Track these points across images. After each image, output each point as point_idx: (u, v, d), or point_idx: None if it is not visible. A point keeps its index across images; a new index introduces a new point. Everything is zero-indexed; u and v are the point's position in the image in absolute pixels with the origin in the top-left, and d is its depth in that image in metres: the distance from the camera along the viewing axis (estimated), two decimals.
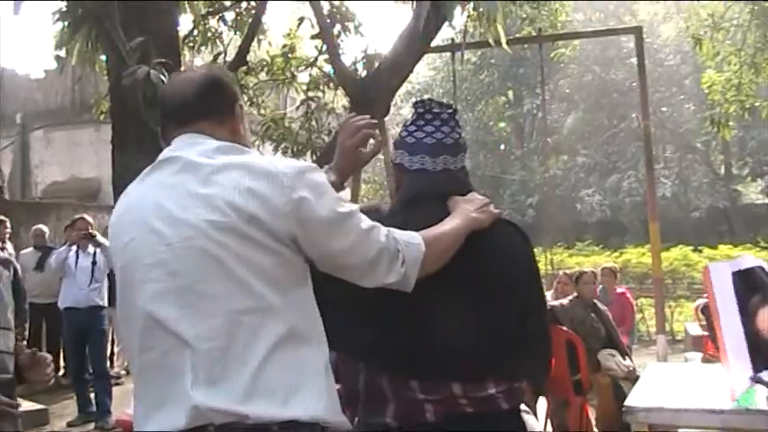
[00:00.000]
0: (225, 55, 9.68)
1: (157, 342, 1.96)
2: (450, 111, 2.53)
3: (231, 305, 1.92)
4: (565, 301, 7.34)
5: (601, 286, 10.14)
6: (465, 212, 2.31)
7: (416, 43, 8.39)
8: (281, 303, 1.95)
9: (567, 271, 8.57)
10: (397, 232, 2.10)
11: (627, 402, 4.01)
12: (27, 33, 71.67)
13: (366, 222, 2.07)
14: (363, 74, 9.29)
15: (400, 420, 2.27)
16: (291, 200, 1.97)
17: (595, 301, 7.41)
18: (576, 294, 7.32)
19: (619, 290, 10.28)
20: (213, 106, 2.19)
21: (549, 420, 7.14)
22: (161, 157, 2.14)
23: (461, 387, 2.27)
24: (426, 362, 2.26)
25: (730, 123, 11.65)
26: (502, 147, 33.44)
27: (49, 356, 3.27)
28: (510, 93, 33.04)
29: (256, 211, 1.95)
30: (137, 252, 2.03)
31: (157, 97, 2.34)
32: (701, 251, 15.58)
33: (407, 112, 34.59)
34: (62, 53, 9.14)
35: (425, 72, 33.43)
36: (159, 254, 1.98)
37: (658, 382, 4.52)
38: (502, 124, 33.17)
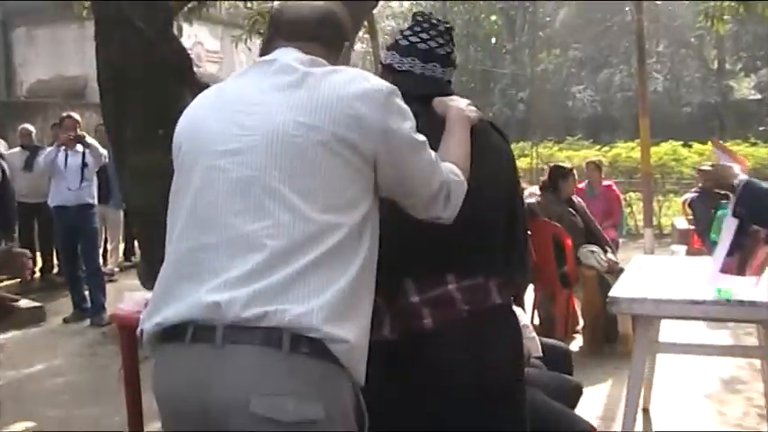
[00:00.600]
0: None
1: (205, 231, 1.89)
2: (447, 25, 2.55)
3: (302, 208, 1.84)
4: (537, 198, 7.33)
5: (587, 180, 10.22)
6: (460, 115, 2.31)
7: None
8: (354, 225, 1.90)
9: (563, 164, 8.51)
10: (445, 165, 2.08)
11: (611, 293, 4.06)
12: None
13: (434, 154, 2.05)
14: None
15: (398, 331, 2.28)
16: (384, 119, 1.92)
17: (573, 197, 7.42)
18: (552, 189, 7.29)
19: (605, 183, 10.32)
20: (325, 34, 2.14)
21: (535, 312, 7.27)
22: (257, 60, 2.11)
23: (454, 277, 2.30)
24: (421, 255, 2.28)
25: (725, 17, 11.45)
26: (493, 40, 33.03)
27: (27, 252, 3.22)
28: None
29: (350, 123, 1.89)
30: (209, 138, 1.97)
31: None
32: (690, 146, 15.57)
33: (397, 5, 34.08)
34: None
35: None
36: (233, 142, 1.92)
37: (642, 274, 4.57)
38: (493, 17, 32.69)
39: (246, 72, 2.10)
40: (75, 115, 9.11)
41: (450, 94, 2.46)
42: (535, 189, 8.36)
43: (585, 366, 6.12)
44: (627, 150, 16.21)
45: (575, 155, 16.57)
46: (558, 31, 32.45)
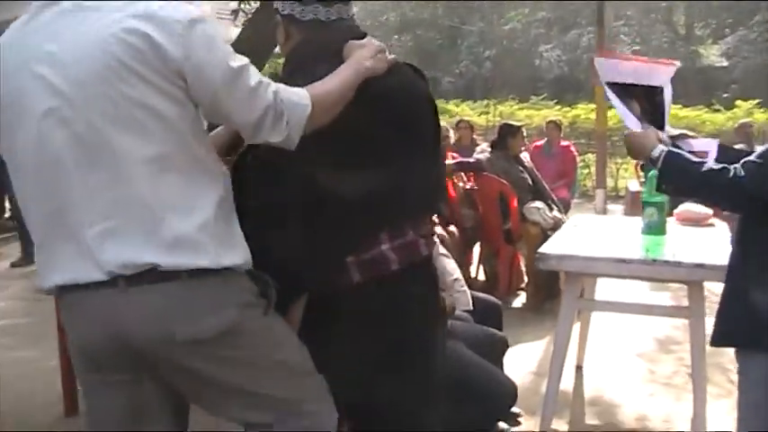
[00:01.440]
0: None
1: (55, 191, 1.90)
2: None
3: (133, 153, 1.86)
4: (488, 153, 7.36)
5: (546, 139, 10.26)
6: (359, 62, 2.22)
7: None
8: (176, 147, 1.92)
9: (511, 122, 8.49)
10: (284, 91, 2.01)
11: (541, 249, 4.09)
12: None
13: (254, 78, 1.97)
14: None
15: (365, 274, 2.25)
16: (183, 51, 1.87)
17: (522, 155, 7.44)
18: (501, 147, 7.30)
19: (563, 143, 10.35)
20: None
21: (480, 267, 7.32)
22: (36, 4, 1.98)
23: (414, 225, 2.30)
24: (396, 208, 2.27)
25: None
26: None
27: None
28: None
29: (148, 54, 1.85)
30: (23, 101, 1.89)
31: None
32: None
33: None
34: None
35: None
36: (49, 101, 1.86)
37: (576, 232, 4.60)
38: None
39: (30, 20, 1.98)
40: None
41: (362, 36, 2.34)
42: (486, 146, 8.39)
43: (526, 322, 6.23)
44: (587, 112, 16.25)
45: (535, 114, 16.59)
46: None
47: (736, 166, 2.52)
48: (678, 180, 2.71)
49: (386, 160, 2.21)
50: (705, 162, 2.64)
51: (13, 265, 8.61)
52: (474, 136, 10.73)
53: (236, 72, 1.93)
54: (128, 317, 1.89)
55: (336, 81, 2.14)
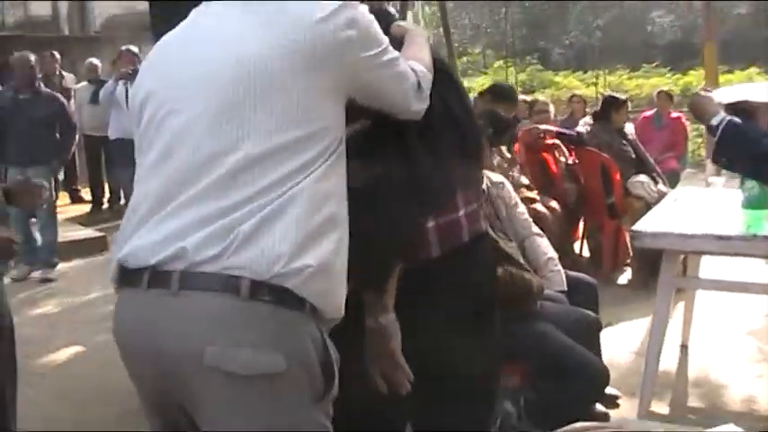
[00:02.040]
0: None
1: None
2: None
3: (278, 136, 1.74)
4: (589, 126, 7.22)
5: (655, 110, 9.99)
6: (419, 31, 2.26)
7: None
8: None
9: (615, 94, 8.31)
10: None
11: (635, 226, 3.99)
12: None
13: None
14: None
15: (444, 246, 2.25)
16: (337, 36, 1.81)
17: (625, 128, 7.26)
18: (604, 120, 7.15)
19: (674, 114, 10.04)
20: None
21: (585, 242, 7.19)
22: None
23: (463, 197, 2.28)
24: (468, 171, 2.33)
25: None
26: None
27: (44, 183, 3.38)
28: None
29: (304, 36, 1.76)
30: (178, 86, 1.82)
31: None
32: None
33: None
34: None
35: None
36: (199, 94, 1.77)
37: (675, 207, 4.47)
38: None
39: (188, 24, 1.97)
40: (134, 48, 9.23)
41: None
42: (589, 119, 8.23)
43: (631, 299, 6.09)
44: (699, 79, 15.69)
45: (645, 83, 16.14)
46: None
47: None
48: (736, 153, 2.56)
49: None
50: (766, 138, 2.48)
51: None
52: (586, 109, 10.57)
53: None
54: (169, 323, 1.70)
55: (425, 52, 2.14)
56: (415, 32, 2.25)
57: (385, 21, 2.32)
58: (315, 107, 1.76)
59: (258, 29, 1.77)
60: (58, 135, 7.74)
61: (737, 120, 2.60)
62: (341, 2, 1.80)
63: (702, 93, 2.81)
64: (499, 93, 5.86)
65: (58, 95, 8.09)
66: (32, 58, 7.75)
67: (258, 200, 1.68)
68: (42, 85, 8.01)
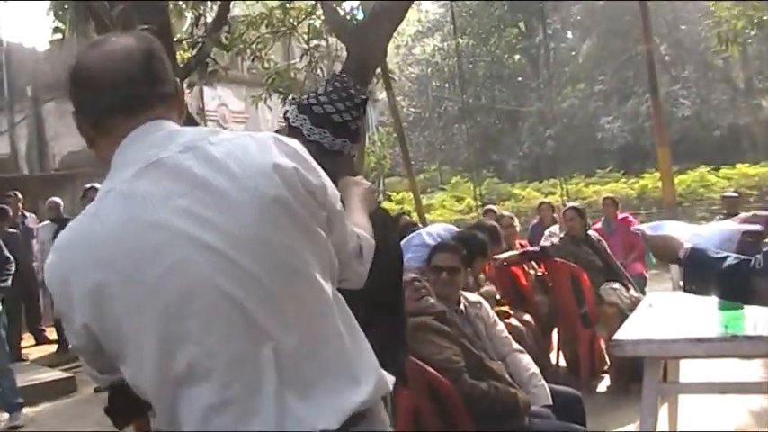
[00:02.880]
0: (205, 17, 9.66)
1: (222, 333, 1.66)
2: (363, 97, 2.47)
3: (309, 298, 1.73)
4: (555, 239, 7.33)
5: (603, 217, 10.14)
6: (366, 196, 2.27)
7: None
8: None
9: (575, 204, 8.50)
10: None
11: (615, 336, 4.01)
12: (26, 5, 71.51)
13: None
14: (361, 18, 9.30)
15: None
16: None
17: (589, 233, 7.37)
18: (566, 232, 7.30)
19: (620, 216, 10.18)
20: (163, 87, 1.82)
21: (560, 353, 7.19)
22: (137, 161, 1.72)
23: None
24: None
25: (739, 40, 11.39)
26: (519, 79, 33.08)
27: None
28: (522, 24, 32.59)
29: (287, 185, 1.73)
30: (180, 276, 1.65)
31: (87, 75, 1.78)
32: (717, 170, 15.43)
33: (419, 51, 34.35)
34: (60, 24, 9.20)
35: (435, 9, 33.10)
36: (219, 276, 1.66)
37: (651, 313, 4.50)
38: (516, 57, 32.79)
39: (134, 187, 1.70)
40: (98, 186, 9.27)
41: (356, 174, 2.38)
42: (555, 229, 8.35)
43: (612, 407, 6.05)
44: (654, 181, 16.06)
45: (602, 189, 16.46)
46: (583, 65, 32.44)
47: (758, 256, 2.41)
48: (703, 280, 2.61)
49: None
50: (729, 256, 2.52)
51: (97, 391, 8.66)
52: (554, 215, 10.73)
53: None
54: None
55: (364, 218, 2.15)
56: (364, 195, 2.26)
57: (340, 168, 2.34)
58: None
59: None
60: None
61: (699, 246, 2.66)
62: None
63: (649, 233, 2.88)
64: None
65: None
66: None
67: None
68: None
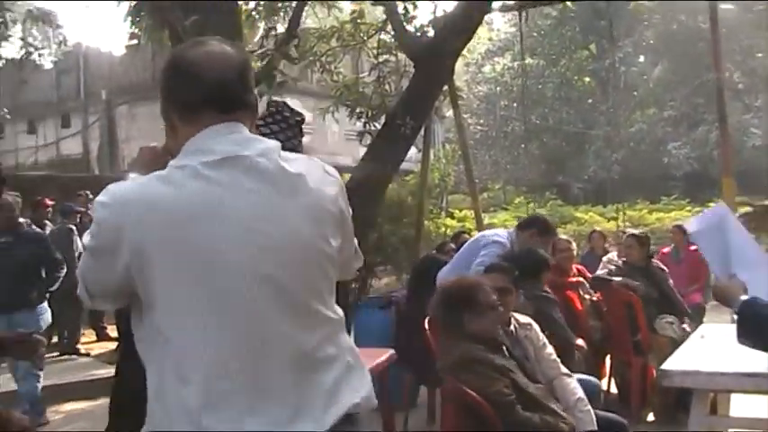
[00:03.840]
0: (276, 29, 9.80)
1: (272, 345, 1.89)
2: (298, 119, 2.69)
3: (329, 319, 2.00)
4: (611, 266, 7.27)
5: (672, 245, 10.02)
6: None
7: (476, 5, 8.38)
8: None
9: (635, 232, 8.45)
10: None
11: (663, 366, 4.00)
12: (105, 10, 73.31)
13: None
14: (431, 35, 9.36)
15: None
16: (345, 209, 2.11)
17: (652, 261, 7.31)
18: (624, 260, 7.25)
19: (691, 247, 10.06)
20: (250, 95, 2.05)
21: (612, 380, 7.13)
22: (219, 151, 1.91)
23: None
24: None
25: None
26: (590, 101, 32.83)
27: (41, 340, 3.16)
28: (592, 46, 32.37)
29: (338, 222, 2.04)
30: (234, 262, 1.86)
31: (192, 70, 1.97)
32: None
33: (489, 70, 34.31)
34: (136, 30, 9.45)
35: (506, 28, 33.02)
36: (265, 268, 1.88)
37: (702, 344, 4.49)
38: (586, 79, 32.56)
39: (218, 169, 1.90)
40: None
41: None
42: (613, 256, 8.29)
43: None
44: None
45: (665, 216, 16.23)
46: (653, 89, 32.08)
47: None
48: (754, 334, 2.62)
49: None
50: None
51: None
52: (606, 245, 10.65)
53: None
54: None
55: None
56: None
57: None
58: None
59: None
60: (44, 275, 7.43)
61: (755, 300, 2.67)
62: None
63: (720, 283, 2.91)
64: (543, 227, 6.01)
65: (42, 234, 8.00)
66: (16, 200, 7.54)
67: None
68: (27, 226, 7.84)
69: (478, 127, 33.35)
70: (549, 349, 4.48)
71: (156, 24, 8.49)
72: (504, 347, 4.03)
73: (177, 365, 1.84)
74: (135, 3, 8.92)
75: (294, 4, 9.63)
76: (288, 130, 2.63)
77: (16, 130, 24.40)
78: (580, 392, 4.28)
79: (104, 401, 8.17)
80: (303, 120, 2.67)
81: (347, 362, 1.99)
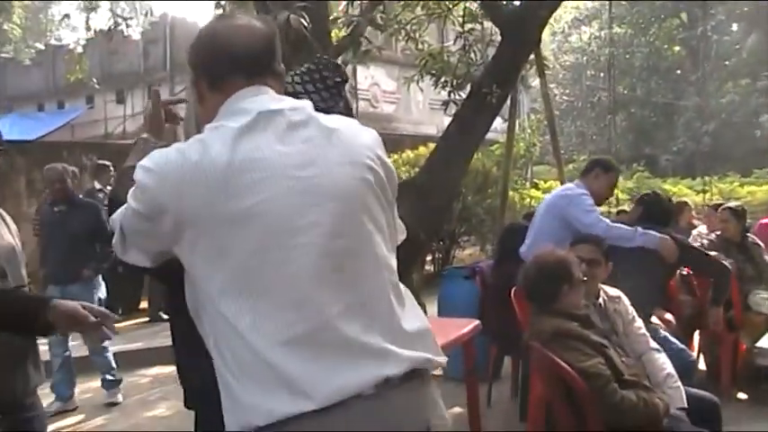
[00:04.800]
0: None
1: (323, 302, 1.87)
2: (338, 79, 2.56)
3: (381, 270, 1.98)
4: (704, 241, 7.06)
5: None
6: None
7: None
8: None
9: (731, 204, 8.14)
10: None
11: (759, 343, 3.87)
12: None
13: None
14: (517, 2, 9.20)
15: None
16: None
17: (747, 236, 7.08)
18: (718, 233, 7.03)
19: None
20: (277, 63, 2.11)
21: (701, 355, 6.96)
22: (252, 110, 1.95)
23: None
24: None
25: None
26: (678, 72, 32.07)
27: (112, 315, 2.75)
28: (683, 14, 31.52)
29: (382, 172, 2.03)
30: (281, 211, 1.86)
31: (219, 41, 2.05)
32: None
33: (575, 39, 33.76)
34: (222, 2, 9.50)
35: None
36: (312, 214, 1.88)
37: None
38: (676, 48, 31.78)
39: (257, 127, 1.93)
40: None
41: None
42: (703, 229, 8.07)
43: (752, 416, 5.83)
44: None
45: (757, 190, 15.76)
46: (746, 59, 31.12)
47: None
48: None
49: None
50: None
51: None
52: (693, 218, 10.36)
53: None
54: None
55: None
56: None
57: None
58: None
59: None
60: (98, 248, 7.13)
61: None
62: None
63: None
64: (603, 165, 6.06)
65: (95, 204, 7.50)
66: (66, 168, 7.17)
67: None
68: (97, 192, 7.83)
69: (564, 97, 32.93)
70: (639, 323, 4.36)
71: None
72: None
73: (244, 338, 1.83)
74: None
75: None
76: (324, 91, 2.53)
77: (105, 100, 24.92)
78: (670, 368, 4.16)
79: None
80: (345, 80, 2.56)
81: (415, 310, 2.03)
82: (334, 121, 2.04)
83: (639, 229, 5.58)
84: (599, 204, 6.02)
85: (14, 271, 3.07)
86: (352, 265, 1.92)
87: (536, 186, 15.99)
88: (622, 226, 5.69)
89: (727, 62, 31.02)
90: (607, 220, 5.70)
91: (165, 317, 10.26)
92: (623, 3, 28.95)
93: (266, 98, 2.01)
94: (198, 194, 1.84)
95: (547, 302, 3.93)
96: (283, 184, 1.87)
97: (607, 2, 31.01)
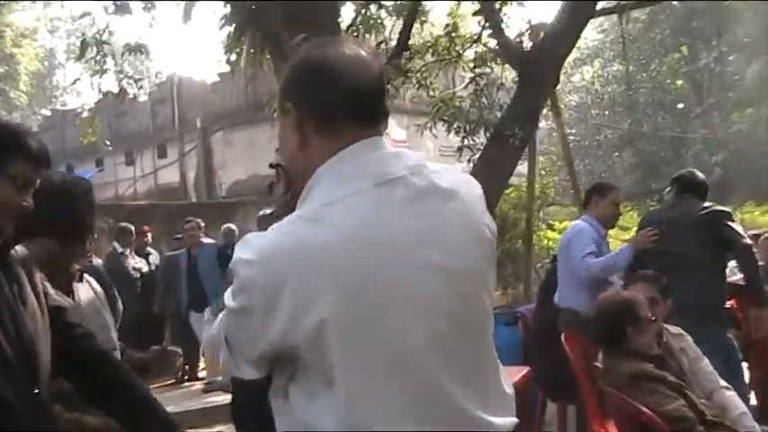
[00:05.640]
0: (387, 43, 9.71)
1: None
2: None
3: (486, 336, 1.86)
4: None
5: None
6: None
7: (581, 8, 8.18)
8: None
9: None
10: None
11: None
12: (198, 39, 75.18)
13: None
14: (529, 46, 9.15)
15: None
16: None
17: None
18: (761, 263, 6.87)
19: None
20: (386, 105, 1.79)
21: (752, 393, 6.77)
22: (371, 176, 1.68)
23: None
24: None
25: None
26: (680, 105, 32.09)
27: (178, 351, 3.13)
28: (684, 48, 31.64)
29: (493, 239, 1.86)
30: (401, 287, 1.63)
31: (331, 74, 1.70)
32: None
33: (578, 79, 33.89)
34: (232, 57, 9.48)
35: (594, 36, 32.54)
36: (440, 298, 1.67)
37: None
38: (679, 82, 31.84)
39: (379, 192, 1.67)
40: (268, 211, 9.41)
41: None
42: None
43: None
44: None
45: None
46: (749, 89, 31.11)
47: None
48: None
49: None
50: None
51: None
52: None
53: None
54: None
55: None
56: None
57: None
58: None
59: None
60: None
61: None
62: None
63: None
64: (597, 188, 6.34)
65: (99, 269, 7.71)
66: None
67: None
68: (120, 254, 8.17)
69: (571, 137, 32.88)
70: (705, 361, 4.22)
71: (258, 47, 8.46)
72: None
73: None
74: (236, 27, 8.93)
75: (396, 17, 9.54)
76: None
77: (115, 162, 24.96)
78: (743, 406, 4.02)
79: (221, 428, 8.27)
80: None
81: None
82: (447, 178, 1.77)
83: (611, 252, 5.91)
84: (612, 224, 6.27)
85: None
86: (475, 348, 1.79)
87: (551, 227, 15.88)
88: (601, 258, 5.69)
89: (729, 93, 31.03)
90: (589, 258, 5.66)
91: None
92: (628, 37, 29.00)
93: (384, 157, 1.72)
94: (320, 285, 1.59)
95: (617, 345, 3.80)
96: (411, 267, 1.65)
97: (608, 39, 31.28)
